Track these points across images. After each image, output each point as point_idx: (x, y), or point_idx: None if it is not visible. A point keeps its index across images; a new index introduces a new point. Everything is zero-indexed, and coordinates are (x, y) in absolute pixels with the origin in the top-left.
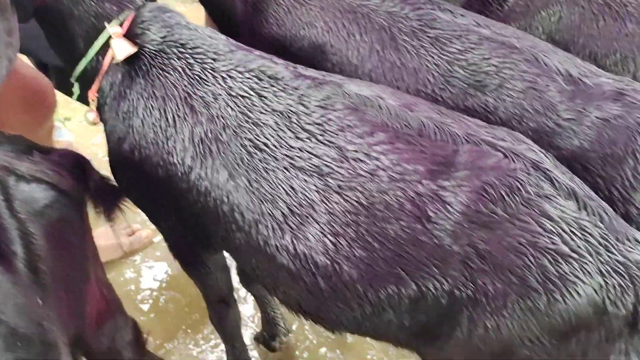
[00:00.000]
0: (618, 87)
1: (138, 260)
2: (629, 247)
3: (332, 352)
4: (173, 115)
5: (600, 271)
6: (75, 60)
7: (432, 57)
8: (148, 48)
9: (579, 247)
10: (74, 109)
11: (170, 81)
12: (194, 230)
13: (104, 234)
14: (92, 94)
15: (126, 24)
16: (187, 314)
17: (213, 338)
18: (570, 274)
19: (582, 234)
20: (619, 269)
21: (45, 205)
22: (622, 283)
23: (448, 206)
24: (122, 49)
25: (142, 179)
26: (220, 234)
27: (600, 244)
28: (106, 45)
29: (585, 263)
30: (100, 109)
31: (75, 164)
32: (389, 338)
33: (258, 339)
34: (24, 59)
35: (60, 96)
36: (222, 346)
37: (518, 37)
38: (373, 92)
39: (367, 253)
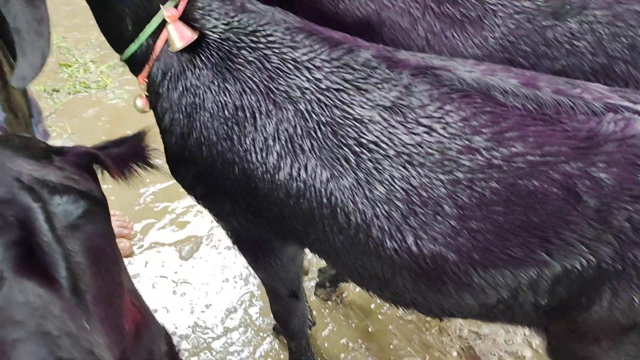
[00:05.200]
0: None
1: None
2: None
3: (354, 342)
4: (252, 112)
5: None
6: (124, 43)
7: None
8: (211, 36)
9: None
10: (62, 79)
11: (245, 75)
12: (273, 227)
13: None
14: (142, 80)
15: (182, 5)
16: None
17: None
18: None
19: None
20: None
21: (79, 216)
22: None
23: (600, 182)
24: (180, 37)
25: (210, 175)
26: (314, 235)
27: None
28: (159, 29)
29: None
30: (151, 96)
31: (90, 161)
32: (514, 318)
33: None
34: None
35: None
36: None
37: None
38: (488, 73)
39: (509, 244)
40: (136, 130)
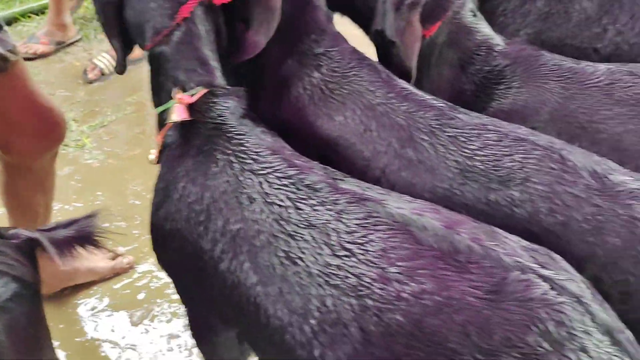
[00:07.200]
0: None
1: None
2: None
3: None
4: (208, 206)
5: None
6: (158, 102)
7: (451, 154)
8: (201, 130)
9: None
10: None
11: (210, 173)
12: (214, 307)
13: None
14: (158, 139)
15: (197, 96)
16: None
17: None
18: None
19: None
20: None
21: (6, 299)
22: None
23: (494, 336)
24: (175, 114)
25: (170, 247)
26: (242, 325)
27: None
28: None
29: None
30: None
31: (32, 245)
32: None
33: None
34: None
35: None
36: None
37: (535, 135)
38: (415, 211)
39: None
40: (106, 192)
